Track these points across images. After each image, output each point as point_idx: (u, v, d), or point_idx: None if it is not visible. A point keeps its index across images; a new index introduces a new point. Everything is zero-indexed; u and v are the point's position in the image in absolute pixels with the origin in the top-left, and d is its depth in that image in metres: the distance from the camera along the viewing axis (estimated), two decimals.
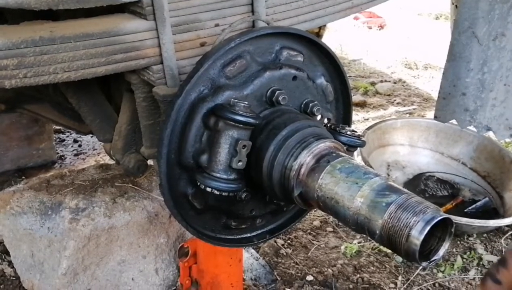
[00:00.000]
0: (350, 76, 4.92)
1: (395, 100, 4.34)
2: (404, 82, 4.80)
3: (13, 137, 2.69)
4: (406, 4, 6.65)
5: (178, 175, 1.14)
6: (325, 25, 2.72)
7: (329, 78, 1.30)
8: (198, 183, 1.08)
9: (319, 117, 1.24)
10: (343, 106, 1.37)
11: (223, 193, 1.07)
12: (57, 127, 3.17)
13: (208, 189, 1.06)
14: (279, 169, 1.07)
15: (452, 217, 2.33)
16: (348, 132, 1.22)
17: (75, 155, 3.15)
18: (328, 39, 5.55)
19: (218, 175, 1.06)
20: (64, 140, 3.33)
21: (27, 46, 1.05)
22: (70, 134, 3.37)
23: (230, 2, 1.30)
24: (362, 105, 4.20)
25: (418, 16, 7.25)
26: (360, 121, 3.90)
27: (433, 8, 7.24)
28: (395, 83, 4.76)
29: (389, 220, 0.89)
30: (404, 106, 4.25)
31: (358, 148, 1.38)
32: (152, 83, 1.26)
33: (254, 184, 1.14)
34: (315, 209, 1.96)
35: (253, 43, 1.14)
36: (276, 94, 1.14)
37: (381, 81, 4.77)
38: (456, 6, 3.21)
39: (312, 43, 1.23)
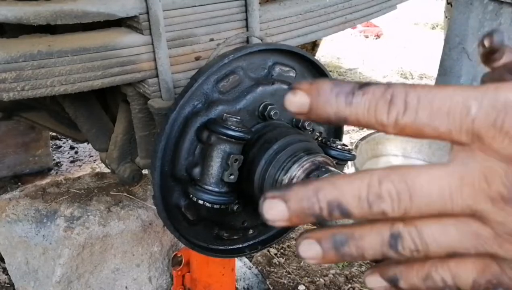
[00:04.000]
0: None
1: None
2: None
3: (9, 144, 2.72)
4: (403, 14, 6.73)
5: (172, 187, 1.16)
6: None
7: None
8: (191, 196, 1.11)
9: (310, 131, 1.27)
10: None
11: (215, 206, 1.09)
12: (54, 134, 3.20)
13: (200, 202, 1.08)
14: (270, 183, 1.09)
15: None
16: (339, 146, 1.25)
17: (72, 162, 3.17)
18: (325, 48, 5.61)
19: (210, 188, 1.09)
20: (60, 146, 3.35)
21: (26, 60, 1.07)
22: (67, 140, 3.39)
23: (225, 18, 1.33)
24: None
25: (415, 26, 7.34)
26: (355, 130, 3.94)
27: (430, 18, 7.32)
28: None
29: None
30: None
31: None
32: (148, 96, 1.28)
33: (245, 197, 1.17)
34: None
35: (246, 59, 1.17)
36: (268, 108, 1.16)
37: None
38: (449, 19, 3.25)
39: (304, 59, 1.26)
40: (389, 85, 0.37)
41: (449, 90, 0.36)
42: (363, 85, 0.37)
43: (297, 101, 0.38)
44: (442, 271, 0.39)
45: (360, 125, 0.38)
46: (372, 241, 0.39)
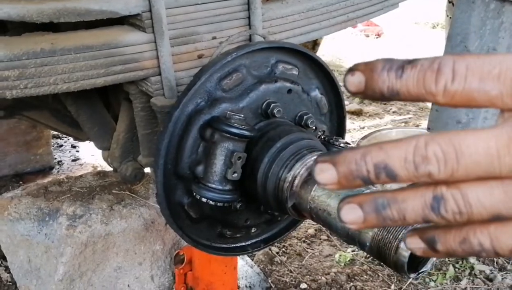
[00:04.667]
0: None
1: (391, 108, 4.39)
2: None
3: (11, 143, 2.72)
4: (403, 13, 6.72)
5: (175, 185, 1.16)
6: None
7: (323, 91, 1.33)
8: (194, 193, 1.11)
9: (313, 129, 1.27)
10: (337, 118, 1.40)
11: (218, 204, 1.09)
12: (55, 133, 3.20)
13: (204, 200, 1.08)
14: (273, 181, 1.09)
15: None
16: (342, 144, 1.25)
17: (73, 160, 3.17)
18: (325, 47, 5.60)
19: (213, 185, 1.09)
20: (62, 145, 3.35)
21: (29, 57, 1.07)
22: (68, 139, 3.39)
23: (227, 16, 1.33)
24: (358, 113, 4.24)
25: (415, 25, 7.34)
26: (356, 129, 3.94)
27: (430, 17, 7.32)
28: None
29: (379, 232, 0.91)
30: (400, 115, 4.29)
31: None
32: (150, 94, 1.28)
33: (248, 195, 1.17)
34: None
35: (249, 57, 1.17)
36: (271, 106, 1.16)
37: None
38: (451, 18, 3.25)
39: (307, 57, 1.26)
40: (437, 56, 0.38)
41: (498, 56, 0.37)
42: (413, 60, 0.39)
43: (355, 80, 0.40)
44: (480, 235, 0.38)
45: (412, 98, 0.39)
46: (414, 203, 0.39)
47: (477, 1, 1.65)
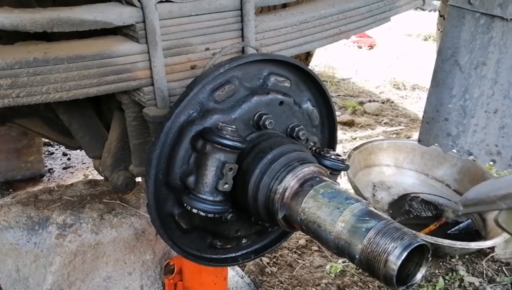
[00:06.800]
0: (339, 95, 4.99)
1: (382, 120, 4.41)
2: (392, 102, 4.88)
3: (1, 150, 2.70)
4: (396, 25, 6.78)
5: (165, 195, 1.16)
6: None
7: (315, 103, 1.34)
8: (185, 204, 1.11)
9: (304, 141, 1.28)
10: (328, 130, 1.41)
11: (209, 215, 1.09)
12: (46, 140, 3.18)
13: (194, 210, 1.09)
14: (264, 192, 1.10)
15: (435, 238, 2.35)
16: (333, 156, 1.26)
17: (64, 168, 3.16)
18: (318, 58, 5.64)
19: (204, 197, 1.09)
20: (53, 153, 3.33)
21: (21, 66, 1.07)
22: (59, 147, 3.38)
23: (220, 28, 1.34)
24: (350, 124, 4.26)
25: (407, 37, 7.40)
26: (347, 140, 3.95)
27: (422, 29, 7.39)
28: (383, 103, 4.83)
29: (368, 245, 0.92)
30: (392, 126, 4.31)
31: None
32: (143, 104, 1.29)
33: (239, 206, 1.17)
34: None
35: (242, 69, 1.18)
36: (263, 118, 1.17)
37: (370, 101, 4.84)
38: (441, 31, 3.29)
39: (299, 70, 1.27)
40: None
41: None
42: None
43: None
44: None
45: None
46: None
47: (467, 16, 1.67)
